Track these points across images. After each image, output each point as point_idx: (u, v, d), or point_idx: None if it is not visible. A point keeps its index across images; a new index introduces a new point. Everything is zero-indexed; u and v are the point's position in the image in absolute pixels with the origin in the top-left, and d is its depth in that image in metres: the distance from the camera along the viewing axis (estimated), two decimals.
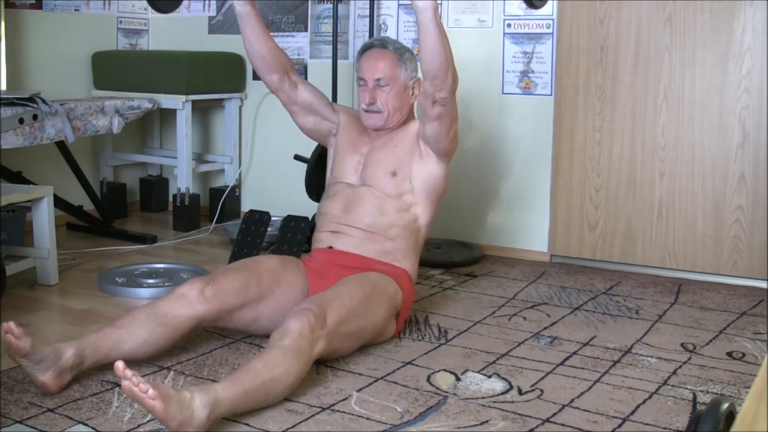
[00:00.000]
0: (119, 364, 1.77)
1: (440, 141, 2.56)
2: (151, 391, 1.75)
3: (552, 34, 3.52)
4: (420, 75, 2.56)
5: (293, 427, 1.93)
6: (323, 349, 2.15)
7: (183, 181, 4.04)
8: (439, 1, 3.74)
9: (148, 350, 2.21)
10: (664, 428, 1.96)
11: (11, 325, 1.99)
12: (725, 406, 1.46)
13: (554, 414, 2.03)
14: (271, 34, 4.12)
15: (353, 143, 2.71)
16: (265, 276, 2.41)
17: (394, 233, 2.57)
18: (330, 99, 3.53)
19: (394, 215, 2.57)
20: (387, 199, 2.57)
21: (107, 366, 2.15)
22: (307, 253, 2.68)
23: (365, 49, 2.68)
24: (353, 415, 2.01)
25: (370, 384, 2.20)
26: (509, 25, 3.60)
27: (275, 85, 2.71)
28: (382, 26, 3.88)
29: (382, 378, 2.24)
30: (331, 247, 2.58)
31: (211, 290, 2.27)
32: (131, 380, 1.76)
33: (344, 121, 2.77)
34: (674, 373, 2.32)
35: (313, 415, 2.00)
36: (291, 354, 2.03)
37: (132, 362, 2.14)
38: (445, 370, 2.31)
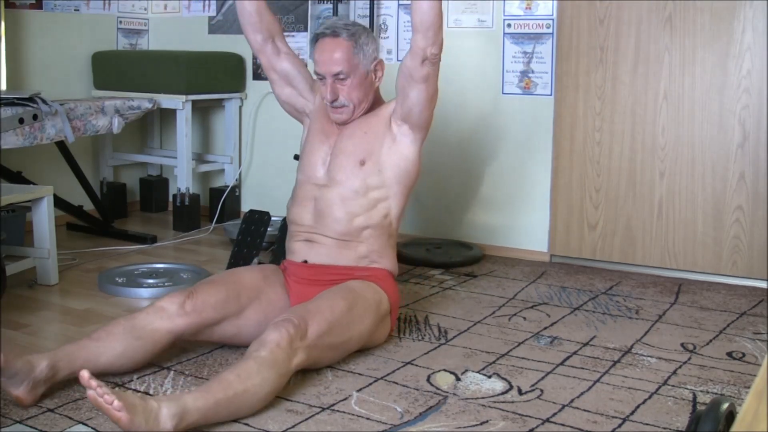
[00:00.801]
0: (84, 373, 1.74)
1: (424, 108, 2.46)
2: (116, 402, 1.72)
3: (552, 34, 3.52)
4: (379, 55, 2.52)
5: (293, 427, 1.93)
6: (302, 361, 2.10)
7: (183, 181, 4.04)
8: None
9: (124, 363, 2.17)
10: (664, 428, 1.96)
11: None
12: (725, 406, 1.46)
13: (554, 414, 2.03)
14: None
15: (323, 131, 2.59)
16: (245, 290, 2.36)
17: (367, 235, 2.50)
18: None
19: (364, 217, 2.49)
20: (356, 199, 2.48)
21: (77, 379, 2.08)
22: (284, 258, 2.62)
23: (316, 38, 2.51)
24: (353, 415, 2.01)
25: (370, 384, 2.20)
26: (509, 25, 3.60)
27: (257, 46, 2.62)
28: (383, 26, 3.88)
29: (382, 378, 2.24)
30: (306, 261, 2.50)
31: (191, 304, 2.23)
32: (96, 390, 1.74)
33: (319, 103, 2.63)
34: (674, 373, 2.32)
35: (313, 415, 2.00)
36: (267, 365, 1.98)
37: (108, 375, 2.15)
38: (445, 370, 2.31)
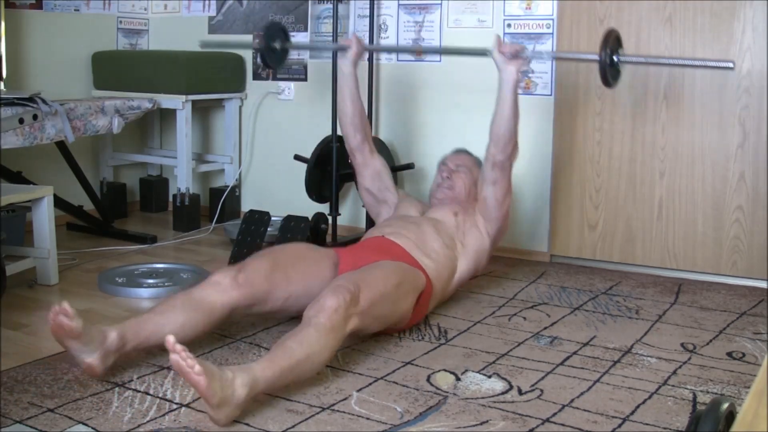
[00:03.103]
0: (170, 338, 1.84)
1: (494, 208, 2.84)
2: (197, 367, 1.81)
3: (552, 34, 3.52)
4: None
5: (293, 427, 1.93)
6: (355, 326, 2.22)
7: (183, 181, 4.04)
8: (439, 2, 3.75)
9: (186, 334, 2.23)
10: (664, 428, 1.96)
11: (65, 305, 2.06)
12: (725, 406, 1.46)
13: (554, 414, 2.03)
14: None
15: (414, 204, 3.00)
16: (290, 257, 2.52)
17: (436, 258, 2.70)
18: (330, 96, 3.55)
19: (443, 248, 2.74)
20: (444, 232, 2.78)
21: (146, 351, 2.28)
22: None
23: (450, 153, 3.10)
24: (353, 415, 2.01)
25: (370, 384, 2.20)
26: (509, 25, 3.60)
27: (356, 145, 3.03)
28: (382, 26, 3.88)
29: (382, 378, 2.24)
30: (383, 236, 2.72)
31: (243, 276, 2.35)
32: (180, 354, 1.83)
33: (403, 195, 3.10)
34: (674, 373, 2.32)
35: (313, 415, 2.00)
36: (326, 331, 2.09)
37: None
38: (445, 370, 2.31)
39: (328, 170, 3.56)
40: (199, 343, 2.46)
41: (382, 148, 3.80)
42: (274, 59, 3.27)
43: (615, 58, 2.66)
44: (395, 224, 2.82)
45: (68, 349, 2.13)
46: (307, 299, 2.30)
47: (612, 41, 2.65)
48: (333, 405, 2.06)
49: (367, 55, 3.74)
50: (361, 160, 3.06)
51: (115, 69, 4.20)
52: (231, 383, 1.88)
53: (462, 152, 3.12)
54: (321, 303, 2.15)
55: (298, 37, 4.12)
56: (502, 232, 2.96)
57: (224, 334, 2.55)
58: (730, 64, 2.65)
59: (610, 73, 2.66)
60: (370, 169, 3.07)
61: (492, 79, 2.93)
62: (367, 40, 3.78)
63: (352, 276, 2.33)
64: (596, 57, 2.65)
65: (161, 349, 2.10)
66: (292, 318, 2.56)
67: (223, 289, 2.32)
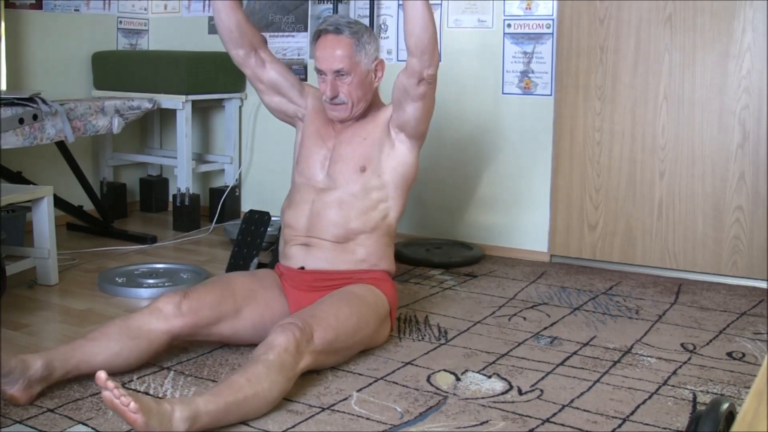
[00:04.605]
0: (101, 374, 1.73)
1: (421, 122, 2.48)
2: (132, 405, 1.72)
3: (552, 34, 3.52)
4: (380, 55, 2.53)
5: (293, 427, 1.93)
6: (308, 364, 2.12)
7: (183, 181, 4.04)
8: (439, 2, 3.75)
9: (120, 364, 2.16)
10: (664, 428, 1.96)
11: None
12: (725, 406, 1.46)
13: (554, 414, 2.03)
14: (271, 34, 4.19)
15: (319, 134, 2.59)
16: (240, 290, 2.36)
17: (365, 238, 2.49)
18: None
19: (361, 219, 2.48)
20: (353, 202, 2.48)
21: (76, 379, 2.14)
22: (277, 261, 2.60)
23: (319, 35, 2.49)
24: (353, 415, 2.01)
25: (370, 384, 2.20)
26: (509, 25, 3.60)
27: (240, 60, 2.60)
28: (383, 26, 3.88)
29: (382, 378, 2.24)
30: (303, 268, 2.48)
31: (187, 305, 2.23)
32: (113, 392, 1.73)
33: (311, 106, 2.64)
34: (674, 373, 2.32)
35: (313, 415, 2.00)
36: (275, 369, 1.98)
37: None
38: (445, 370, 2.31)
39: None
40: (199, 344, 2.45)
41: None
42: None
43: None
44: (299, 228, 2.51)
45: None
46: (252, 339, 2.20)
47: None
48: (333, 405, 2.06)
49: None
50: (251, 73, 2.62)
51: (115, 69, 4.20)
52: (169, 418, 1.78)
53: (334, 39, 2.46)
54: (270, 341, 2.05)
55: (298, 37, 4.13)
56: (426, 133, 2.57)
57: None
58: None
59: None
60: (264, 83, 2.63)
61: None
62: None
63: (302, 314, 2.21)
64: None
65: (92, 379, 1.95)
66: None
67: (164, 317, 2.20)
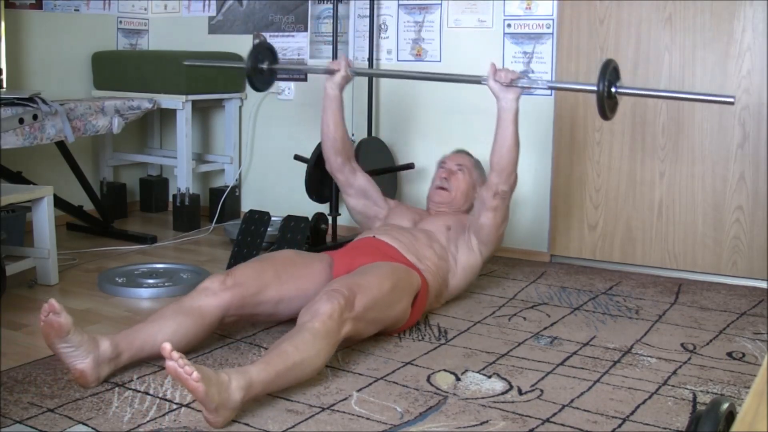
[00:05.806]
0: (166, 345, 1.83)
1: (490, 233, 2.82)
2: (195, 374, 1.81)
3: (552, 34, 3.52)
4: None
5: (293, 427, 1.93)
6: (349, 331, 2.22)
7: (183, 181, 4.04)
8: (439, 2, 3.75)
9: (179, 342, 2.22)
10: (664, 428, 1.96)
11: (52, 301, 2.03)
12: (725, 406, 1.46)
13: (554, 414, 2.03)
14: (271, 34, 4.19)
15: (406, 214, 2.99)
16: (279, 260, 2.53)
17: (429, 265, 2.70)
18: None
19: (435, 257, 2.73)
20: (437, 243, 2.79)
21: (141, 362, 2.24)
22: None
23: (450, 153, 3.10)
24: (353, 415, 2.01)
25: (370, 384, 2.20)
26: (509, 25, 3.61)
27: (337, 167, 3.03)
28: (383, 26, 3.88)
29: (382, 378, 2.24)
30: (374, 237, 2.73)
31: (231, 279, 2.36)
32: (177, 362, 1.82)
33: (394, 205, 3.08)
34: (674, 373, 2.32)
35: (313, 415, 2.00)
36: (320, 336, 2.10)
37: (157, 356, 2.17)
38: (445, 370, 2.31)
39: (328, 170, 3.55)
40: (199, 344, 2.46)
41: (381, 147, 3.80)
42: (262, 81, 3.14)
43: (613, 90, 2.52)
44: (387, 229, 2.83)
45: (58, 353, 2.07)
46: (300, 303, 2.31)
47: (610, 72, 2.51)
48: (333, 405, 2.06)
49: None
50: (344, 179, 3.07)
51: (115, 69, 4.20)
52: (227, 387, 1.88)
53: (462, 153, 3.12)
54: (315, 308, 2.16)
55: (298, 37, 4.13)
56: (495, 251, 2.97)
57: (224, 335, 2.55)
58: (731, 99, 2.53)
59: (607, 105, 2.53)
60: (354, 188, 3.07)
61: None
62: (367, 40, 3.79)
63: (346, 280, 2.33)
64: (594, 87, 2.52)
65: (157, 358, 2.11)
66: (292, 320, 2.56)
67: (212, 293, 2.33)
